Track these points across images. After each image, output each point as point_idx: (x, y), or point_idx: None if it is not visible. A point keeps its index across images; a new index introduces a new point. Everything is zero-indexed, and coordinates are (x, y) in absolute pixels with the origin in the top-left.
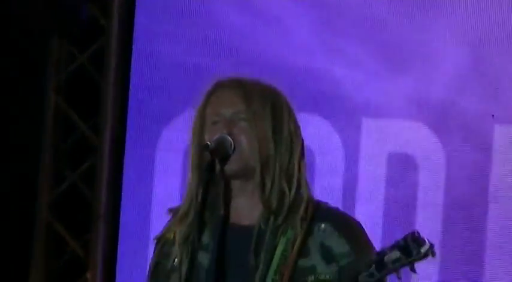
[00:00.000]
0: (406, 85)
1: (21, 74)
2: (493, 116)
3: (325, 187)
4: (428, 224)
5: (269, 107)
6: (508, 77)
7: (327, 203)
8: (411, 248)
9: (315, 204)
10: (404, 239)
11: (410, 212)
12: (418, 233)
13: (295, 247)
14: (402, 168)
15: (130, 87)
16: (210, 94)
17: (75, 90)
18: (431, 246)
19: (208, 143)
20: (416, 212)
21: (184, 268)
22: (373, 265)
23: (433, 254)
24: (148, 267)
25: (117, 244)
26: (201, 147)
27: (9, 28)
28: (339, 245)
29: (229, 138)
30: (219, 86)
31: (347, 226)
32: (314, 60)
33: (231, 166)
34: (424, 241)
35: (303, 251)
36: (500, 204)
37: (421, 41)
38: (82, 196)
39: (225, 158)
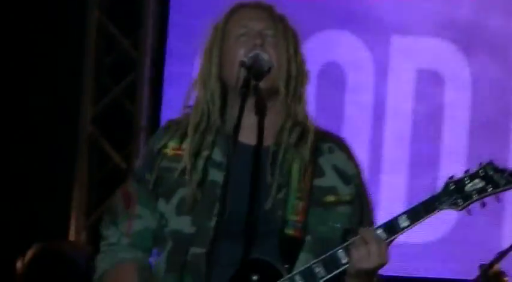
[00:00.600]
0: (434, 4)
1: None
2: None
3: (356, 102)
4: (454, 139)
5: (290, 31)
6: None
7: (323, 129)
8: (496, 178)
9: (316, 130)
10: (484, 169)
11: (437, 127)
12: (495, 163)
13: (309, 167)
14: (430, 84)
15: (171, 4)
16: (232, 12)
17: (117, 7)
18: None
19: (245, 59)
20: (443, 127)
21: (195, 180)
22: (455, 195)
23: None
24: (137, 176)
25: None
26: (238, 63)
27: None
28: (350, 167)
29: (266, 55)
30: (241, 6)
31: (348, 148)
32: None
33: (262, 84)
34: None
35: (316, 171)
36: None
37: None
38: (124, 110)
39: (260, 75)
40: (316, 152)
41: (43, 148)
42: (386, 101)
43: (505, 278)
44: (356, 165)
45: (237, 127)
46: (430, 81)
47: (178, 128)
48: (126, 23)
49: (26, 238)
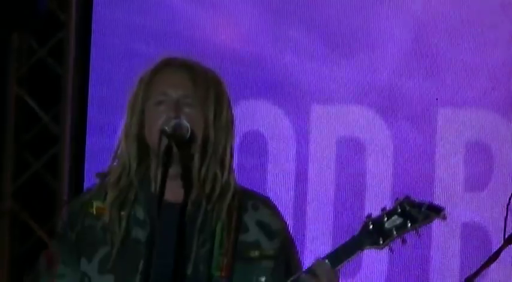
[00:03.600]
0: (353, 71)
1: None
2: (436, 99)
3: (278, 172)
4: (376, 206)
5: (213, 93)
6: (448, 61)
7: (249, 188)
8: (414, 213)
9: (240, 189)
10: (401, 204)
11: (360, 195)
12: (412, 197)
13: (233, 224)
14: (351, 152)
15: (90, 78)
16: (157, 71)
17: (36, 82)
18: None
19: (166, 128)
20: (365, 194)
21: (117, 237)
22: (374, 234)
23: (445, 217)
24: (59, 235)
25: None
26: (159, 132)
27: None
28: (275, 222)
29: (187, 124)
30: (166, 65)
31: (273, 205)
32: (263, 48)
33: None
34: (439, 208)
35: (241, 227)
36: (445, 185)
37: (365, 27)
38: (45, 184)
39: (182, 143)
40: (240, 209)
41: None
42: (308, 170)
43: None
44: (281, 221)
45: (161, 193)
46: (351, 149)
47: (103, 184)
48: (46, 97)
49: None
